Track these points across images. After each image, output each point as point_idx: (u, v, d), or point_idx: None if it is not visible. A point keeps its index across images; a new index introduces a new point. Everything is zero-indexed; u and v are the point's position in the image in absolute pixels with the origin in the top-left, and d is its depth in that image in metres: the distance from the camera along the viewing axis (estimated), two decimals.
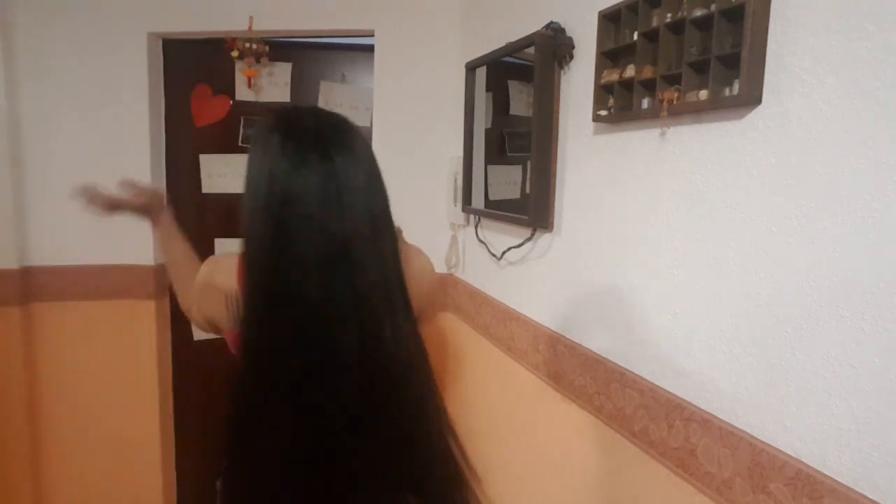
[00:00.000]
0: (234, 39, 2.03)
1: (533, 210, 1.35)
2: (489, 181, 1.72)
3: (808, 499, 0.72)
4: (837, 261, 0.70)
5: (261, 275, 0.78)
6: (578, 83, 1.24)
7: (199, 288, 0.95)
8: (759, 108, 0.81)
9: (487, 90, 1.70)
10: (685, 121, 0.94)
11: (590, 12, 1.14)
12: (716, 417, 0.88)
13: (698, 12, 0.88)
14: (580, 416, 1.24)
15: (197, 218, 2.24)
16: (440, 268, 2.07)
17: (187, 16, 2.06)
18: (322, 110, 0.89)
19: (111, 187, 1.73)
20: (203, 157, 2.24)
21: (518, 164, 1.52)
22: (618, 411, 1.11)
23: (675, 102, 0.92)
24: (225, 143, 2.23)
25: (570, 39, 1.25)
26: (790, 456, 0.76)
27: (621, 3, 1.04)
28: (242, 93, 2.20)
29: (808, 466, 0.73)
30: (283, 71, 2.20)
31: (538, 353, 1.42)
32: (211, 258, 0.98)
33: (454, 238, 2.01)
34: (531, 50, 1.34)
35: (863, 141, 0.67)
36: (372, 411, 0.79)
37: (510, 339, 1.58)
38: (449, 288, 2.08)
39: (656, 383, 1.01)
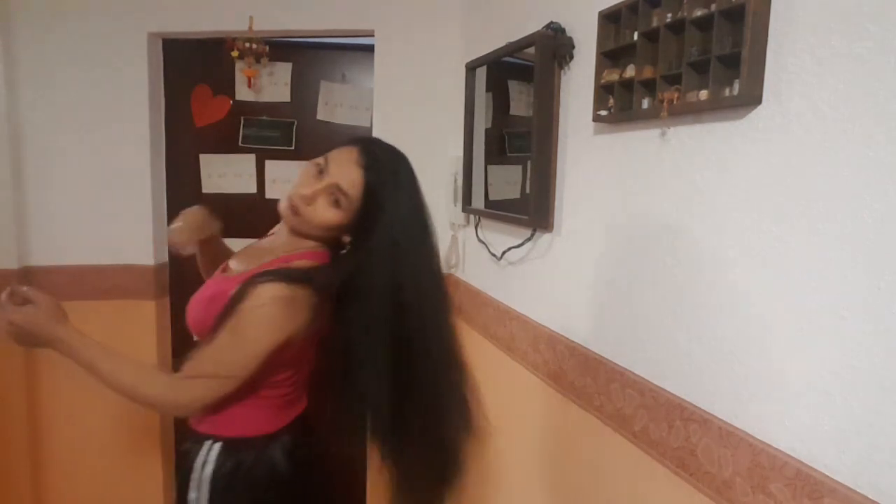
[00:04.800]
0: (234, 39, 2.03)
1: (533, 210, 1.35)
2: (489, 181, 1.72)
3: (808, 499, 0.72)
4: (838, 260, 0.70)
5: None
6: (578, 83, 1.24)
7: (281, 318, 1.04)
8: (759, 108, 0.81)
9: (487, 90, 1.70)
10: (685, 121, 0.94)
11: (590, 12, 1.14)
12: (716, 417, 0.88)
13: (698, 12, 0.88)
14: (580, 416, 1.24)
15: None
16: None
17: (187, 16, 2.06)
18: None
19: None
20: (203, 157, 2.24)
21: (518, 164, 1.52)
22: (618, 411, 1.11)
23: (675, 102, 0.92)
24: (225, 143, 2.23)
25: (570, 39, 1.25)
26: (790, 456, 0.76)
27: (621, 3, 1.04)
28: (242, 93, 2.20)
29: (808, 466, 0.73)
30: (283, 71, 2.20)
31: (538, 353, 1.42)
32: (272, 298, 1.03)
33: (454, 238, 2.01)
34: (531, 50, 1.34)
35: (863, 141, 0.67)
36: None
37: (510, 339, 1.58)
38: (449, 288, 2.08)
39: (656, 383, 1.01)
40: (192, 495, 1.13)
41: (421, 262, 1.10)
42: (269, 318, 1.03)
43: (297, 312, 1.05)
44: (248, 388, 1.10)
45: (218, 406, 1.10)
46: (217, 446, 1.14)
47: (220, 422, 1.15)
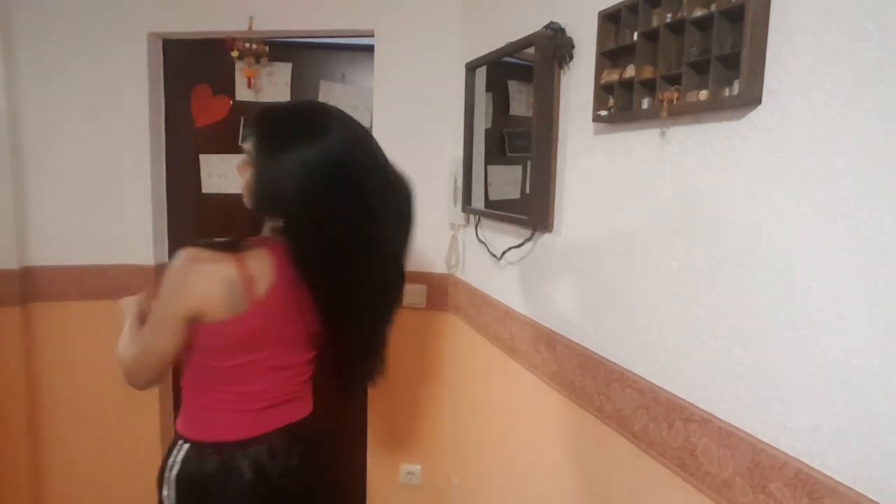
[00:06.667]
0: (234, 39, 2.04)
1: (533, 210, 1.35)
2: (489, 181, 1.72)
3: (808, 499, 0.72)
4: (837, 260, 0.70)
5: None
6: (578, 83, 1.24)
7: (191, 278, 1.07)
8: (759, 108, 0.81)
9: (487, 90, 1.70)
10: (685, 121, 0.94)
11: (590, 12, 1.14)
12: (716, 417, 0.88)
13: (698, 12, 0.88)
14: (580, 416, 1.24)
15: (197, 218, 2.24)
16: (440, 268, 2.07)
17: (187, 16, 2.06)
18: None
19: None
20: (203, 157, 2.24)
21: (518, 164, 1.52)
22: (618, 411, 1.11)
23: (675, 102, 0.92)
24: (225, 143, 2.23)
25: (570, 39, 1.25)
26: (790, 456, 0.76)
27: (621, 3, 1.04)
28: (242, 93, 2.20)
29: (808, 466, 0.73)
30: (283, 71, 2.20)
31: (538, 353, 1.42)
32: (185, 258, 1.09)
33: (454, 238, 2.01)
34: (531, 50, 1.34)
35: (863, 141, 0.67)
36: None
37: (510, 339, 1.58)
38: (449, 288, 2.08)
39: (656, 383, 1.01)
40: (164, 493, 1.16)
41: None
42: (181, 277, 1.08)
43: (212, 277, 1.06)
44: (207, 386, 1.14)
45: (188, 406, 1.16)
46: (185, 447, 1.15)
47: (189, 423, 1.17)
